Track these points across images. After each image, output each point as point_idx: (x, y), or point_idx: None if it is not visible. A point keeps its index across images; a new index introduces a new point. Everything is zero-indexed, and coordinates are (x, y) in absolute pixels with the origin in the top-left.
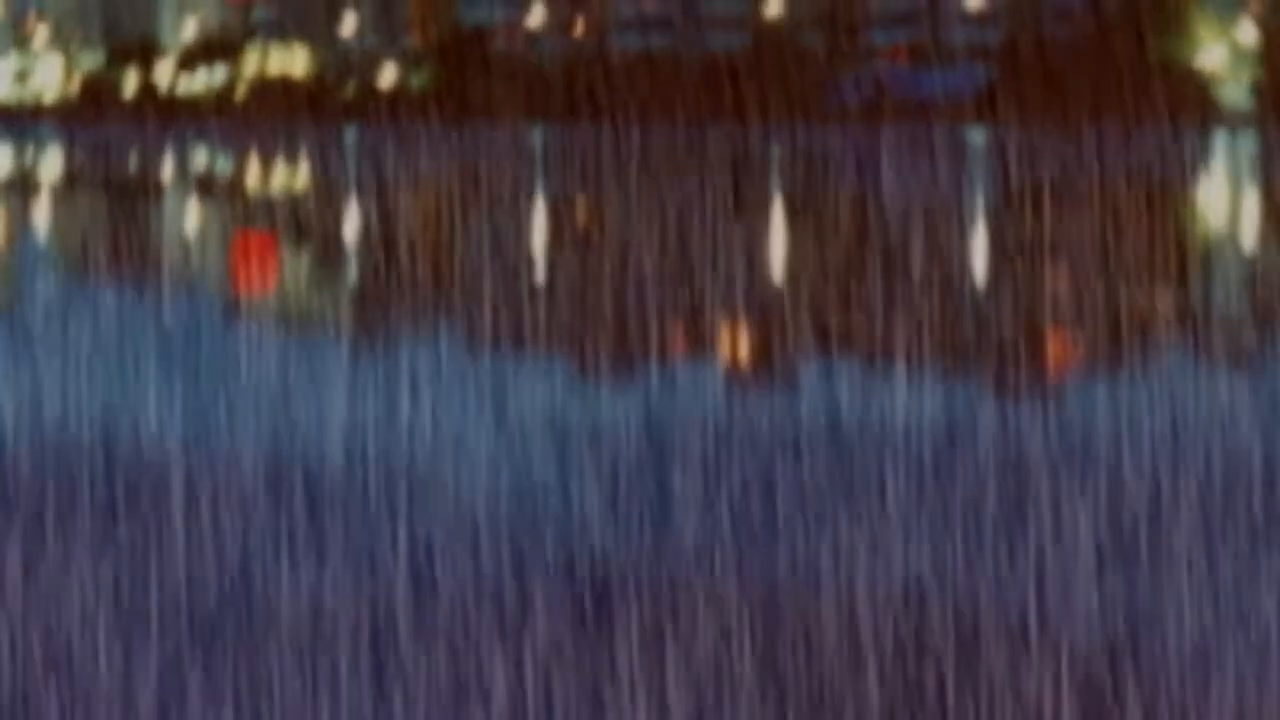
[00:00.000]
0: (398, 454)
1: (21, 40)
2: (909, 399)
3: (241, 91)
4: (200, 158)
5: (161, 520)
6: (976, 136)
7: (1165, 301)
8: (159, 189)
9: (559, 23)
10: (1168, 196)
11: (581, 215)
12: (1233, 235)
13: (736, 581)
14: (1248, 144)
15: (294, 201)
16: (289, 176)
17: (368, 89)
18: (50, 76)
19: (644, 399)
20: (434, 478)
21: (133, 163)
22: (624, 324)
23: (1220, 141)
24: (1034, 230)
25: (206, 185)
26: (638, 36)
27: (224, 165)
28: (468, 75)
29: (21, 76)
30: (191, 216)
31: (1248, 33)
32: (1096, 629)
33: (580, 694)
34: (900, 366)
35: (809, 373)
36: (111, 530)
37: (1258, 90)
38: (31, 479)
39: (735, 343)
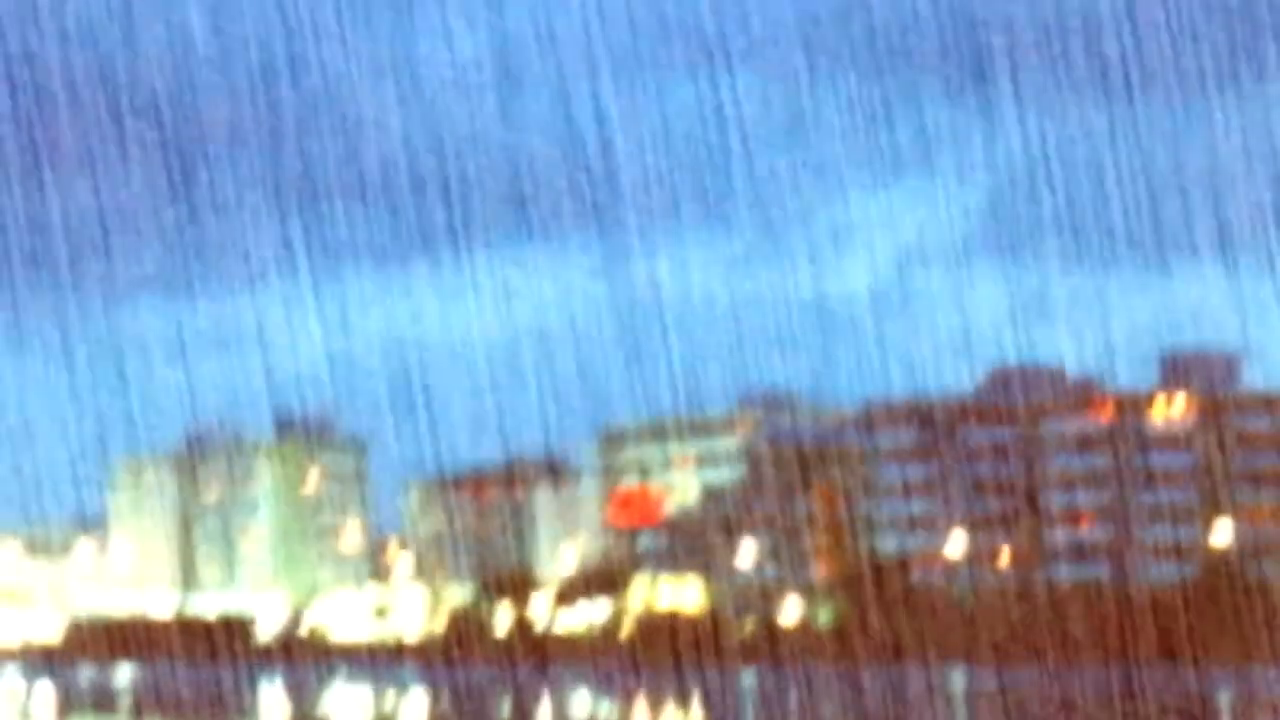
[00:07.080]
0: None
1: (381, 571)
2: None
3: (626, 628)
4: (581, 703)
5: None
6: None
7: None
8: None
9: (982, 551)
10: None
11: None
12: None
13: None
14: None
15: None
16: None
17: (768, 625)
18: (413, 612)
19: None
20: None
21: (505, 708)
22: None
23: None
24: None
25: None
26: (1071, 566)
27: (608, 711)
28: (881, 609)
29: (381, 612)
30: None
31: None
32: None
33: None
34: None
35: None
36: None
37: None
38: None
39: None
